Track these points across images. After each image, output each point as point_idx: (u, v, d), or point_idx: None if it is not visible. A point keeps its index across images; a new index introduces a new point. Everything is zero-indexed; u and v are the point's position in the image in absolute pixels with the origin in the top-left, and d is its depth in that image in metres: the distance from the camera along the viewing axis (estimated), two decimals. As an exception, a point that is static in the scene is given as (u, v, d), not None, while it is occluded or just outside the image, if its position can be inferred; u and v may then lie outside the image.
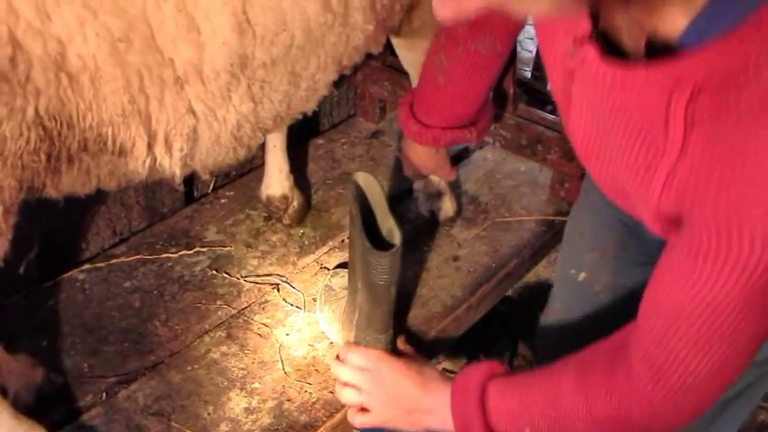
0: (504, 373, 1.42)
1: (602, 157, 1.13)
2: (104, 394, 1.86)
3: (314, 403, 1.87)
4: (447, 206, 2.32)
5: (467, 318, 2.17)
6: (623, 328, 1.25)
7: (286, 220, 2.33)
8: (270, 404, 1.86)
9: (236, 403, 1.86)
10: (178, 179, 1.40)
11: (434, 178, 2.27)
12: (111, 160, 1.30)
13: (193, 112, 1.31)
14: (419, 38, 1.93)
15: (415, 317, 2.08)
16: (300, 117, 1.67)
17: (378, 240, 1.62)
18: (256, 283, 2.18)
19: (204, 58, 1.26)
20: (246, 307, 2.11)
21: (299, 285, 2.18)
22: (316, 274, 2.22)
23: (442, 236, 2.35)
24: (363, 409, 1.66)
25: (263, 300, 2.13)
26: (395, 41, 2.07)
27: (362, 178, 1.64)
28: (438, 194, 2.30)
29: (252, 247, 2.30)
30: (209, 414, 1.83)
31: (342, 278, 1.98)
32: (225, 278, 2.19)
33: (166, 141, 1.31)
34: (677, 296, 1.01)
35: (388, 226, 1.63)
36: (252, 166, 2.57)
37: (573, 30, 1.03)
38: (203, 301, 2.12)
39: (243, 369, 1.94)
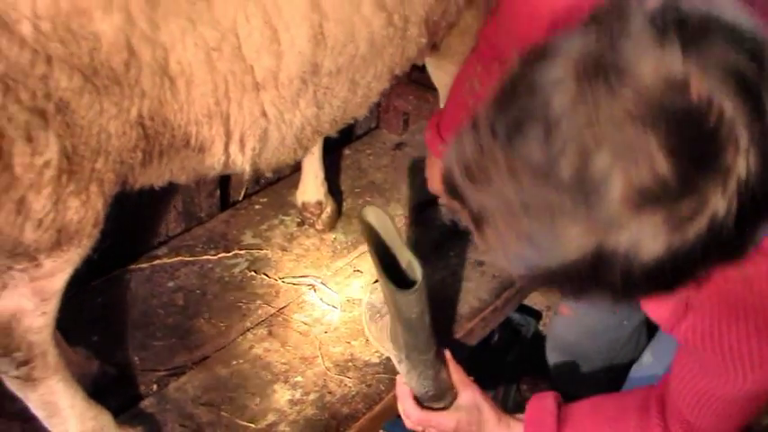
0: (562, 407, 1.54)
1: None
2: (156, 386, 1.96)
3: (354, 396, 1.97)
4: None
5: (493, 318, 2.29)
6: (654, 388, 1.45)
7: (319, 226, 2.44)
8: (312, 396, 1.97)
9: (281, 395, 1.96)
10: (247, 175, 1.51)
11: None
12: (190, 156, 1.41)
13: (266, 115, 1.43)
14: (449, 60, 2.06)
15: (445, 318, 2.19)
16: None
17: (399, 272, 1.64)
18: (293, 284, 2.29)
19: (281, 66, 1.38)
20: (285, 306, 2.22)
21: (334, 287, 2.29)
22: (349, 277, 2.33)
23: (466, 242, 2.46)
24: None
25: (300, 300, 2.24)
26: (428, 60, 2.20)
27: (372, 214, 1.66)
28: None
29: (287, 250, 2.41)
30: (256, 405, 1.94)
31: (381, 293, 2.01)
32: (263, 279, 2.30)
33: (241, 141, 1.43)
34: (697, 385, 1.29)
35: (407, 258, 1.64)
36: (281, 175, 2.68)
37: None
38: (244, 301, 2.23)
39: (285, 364, 2.05)
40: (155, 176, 1.44)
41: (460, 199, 0.91)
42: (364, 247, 2.43)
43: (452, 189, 0.92)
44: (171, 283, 2.26)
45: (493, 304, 2.27)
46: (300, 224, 2.50)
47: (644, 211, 0.78)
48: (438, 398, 1.70)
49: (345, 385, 1.99)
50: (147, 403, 1.91)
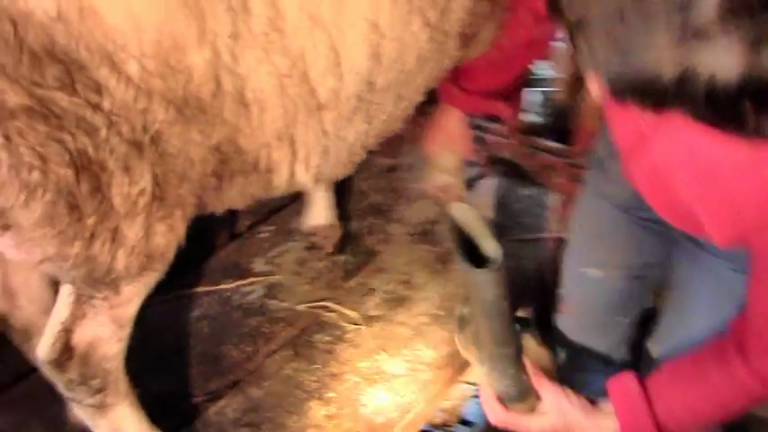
0: (645, 377, 1.56)
1: (669, 191, 1.33)
2: (195, 411, 2.01)
3: (386, 406, 2.07)
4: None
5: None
6: (725, 338, 1.46)
7: (328, 249, 2.54)
8: (346, 410, 2.05)
9: (317, 411, 2.04)
10: (310, 189, 1.61)
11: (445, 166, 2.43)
12: (258, 178, 1.51)
13: (326, 134, 1.54)
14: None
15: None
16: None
17: (482, 262, 1.61)
18: (311, 305, 2.37)
19: (342, 86, 1.49)
20: (306, 327, 2.30)
21: (351, 305, 2.38)
22: (364, 296, 2.43)
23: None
24: None
25: (320, 320, 2.33)
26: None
27: (457, 210, 1.61)
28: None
29: (300, 274, 2.50)
30: (294, 422, 2.01)
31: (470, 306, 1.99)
32: (281, 303, 2.38)
33: (306, 159, 1.53)
34: None
35: (492, 246, 1.59)
36: (283, 204, 2.77)
37: None
38: (266, 325, 2.30)
39: (316, 381, 2.13)
40: (224, 201, 1.52)
41: (560, 11, 0.99)
42: (372, 267, 2.54)
43: (553, 2, 1.01)
44: (196, 313, 2.32)
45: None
46: (309, 248, 2.59)
47: (735, 23, 0.83)
48: (521, 398, 1.68)
49: (377, 396, 2.08)
50: (189, 429, 1.96)
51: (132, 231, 1.32)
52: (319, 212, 2.50)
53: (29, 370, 1.91)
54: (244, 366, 2.17)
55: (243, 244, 2.62)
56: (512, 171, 2.87)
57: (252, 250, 2.59)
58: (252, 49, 1.32)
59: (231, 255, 2.56)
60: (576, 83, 2.98)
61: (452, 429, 2.65)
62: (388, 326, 2.31)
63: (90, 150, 1.21)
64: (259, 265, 2.53)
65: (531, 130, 2.89)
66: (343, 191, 2.86)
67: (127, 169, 1.26)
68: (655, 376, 1.55)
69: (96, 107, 1.18)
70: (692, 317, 1.85)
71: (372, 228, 2.72)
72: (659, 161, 1.31)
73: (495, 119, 2.64)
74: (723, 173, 1.20)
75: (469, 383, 2.55)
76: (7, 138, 1.14)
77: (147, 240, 1.35)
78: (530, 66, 2.03)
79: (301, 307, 2.37)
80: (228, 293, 2.41)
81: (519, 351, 1.67)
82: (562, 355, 2.48)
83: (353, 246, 2.64)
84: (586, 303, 2.26)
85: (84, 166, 1.22)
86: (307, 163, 1.53)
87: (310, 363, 2.18)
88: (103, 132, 1.20)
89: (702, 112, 0.95)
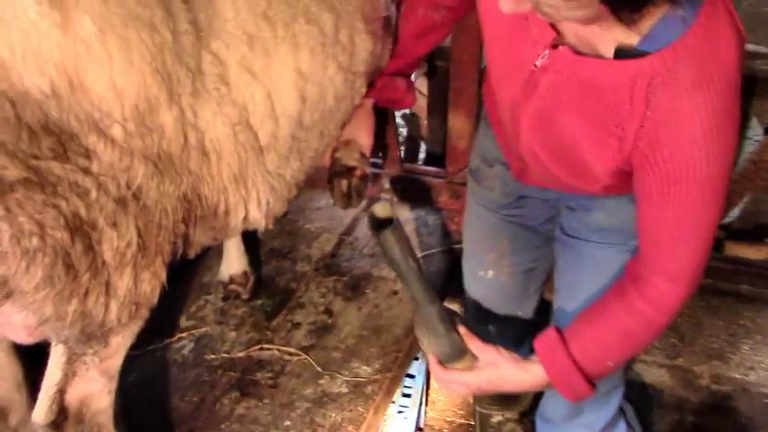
0: (563, 329, 1.74)
1: (558, 130, 1.61)
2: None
3: (341, 422, 2.24)
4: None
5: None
6: (631, 263, 1.67)
7: (245, 295, 2.68)
8: (306, 433, 2.20)
9: (279, 440, 2.18)
10: (263, 228, 1.76)
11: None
12: (217, 221, 1.65)
13: (269, 173, 1.71)
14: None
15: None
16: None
17: None
18: (245, 349, 2.50)
19: (278, 128, 1.68)
20: (246, 368, 2.43)
21: (281, 342, 2.53)
22: (290, 331, 2.58)
23: (383, 278, 2.81)
24: None
25: (256, 359, 2.46)
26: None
27: (379, 209, 1.75)
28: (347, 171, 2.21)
29: (223, 323, 2.62)
30: (259, 455, 2.13)
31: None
32: (214, 351, 2.49)
33: (257, 198, 1.69)
34: (668, 219, 1.52)
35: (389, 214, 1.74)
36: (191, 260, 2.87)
37: (539, 42, 1.54)
38: (206, 375, 2.41)
39: (269, 414, 2.26)
40: (193, 245, 1.66)
41: None
42: (290, 305, 2.71)
43: None
44: (131, 377, 2.37)
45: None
46: (226, 298, 2.72)
47: None
48: (457, 357, 1.80)
49: (330, 416, 2.25)
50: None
51: (123, 282, 1.43)
52: (233, 261, 2.63)
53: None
54: (195, 416, 2.26)
55: (162, 303, 2.69)
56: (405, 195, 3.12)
57: (172, 308, 2.68)
58: (208, 104, 1.49)
59: (154, 316, 2.62)
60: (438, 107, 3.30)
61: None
62: (322, 352, 2.47)
63: (82, 211, 1.33)
64: (183, 321, 2.62)
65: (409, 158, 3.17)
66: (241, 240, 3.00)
67: (115, 225, 1.38)
68: (570, 324, 1.74)
69: (86, 171, 1.31)
70: (580, 298, 2.06)
71: (279, 270, 2.89)
72: (547, 98, 1.58)
73: (379, 149, 2.88)
74: (606, 96, 1.48)
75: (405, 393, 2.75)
76: (8, 210, 1.24)
77: (136, 289, 1.46)
78: (427, 51, 2.12)
79: (235, 353, 2.49)
80: (159, 353, 2.49)
81: (444, 312, 1.79)
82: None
83: (267, 289, 2.79)
84: (487, 301, 2.53)
85: (77, 226, 1.33)
86: (258, 201, 1.70)
87: (259, 399, 2.31)
88: (94, 193, 1.33)
89: None
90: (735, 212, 2.94)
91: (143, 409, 2.25)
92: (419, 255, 2.94)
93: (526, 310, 2.48)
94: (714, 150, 1.44)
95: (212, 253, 2.74)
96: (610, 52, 1.46)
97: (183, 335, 2.56)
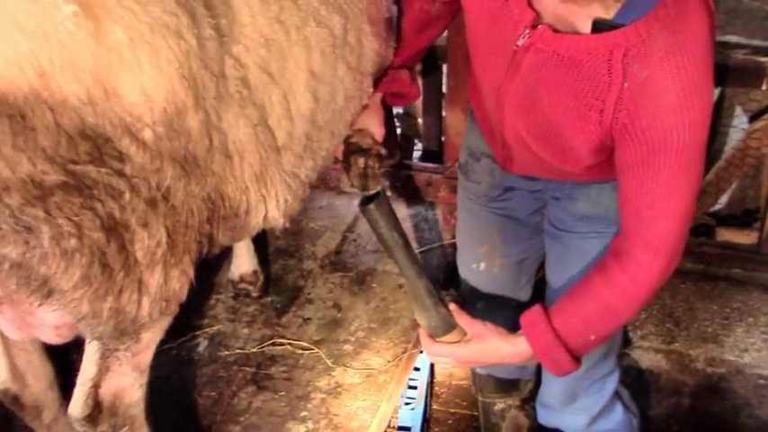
0: (549, 307, 1.79)
1: (540, 109, 1.67)
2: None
3: (356, 411, 2.31)
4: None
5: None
6: (615, 240, 1.73)
7: (255, 293, 2.74)
8: (322, 423, 2.27)
9: (297, 431, 2.25)
10: (281, 227, 1.83)
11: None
12: (238, 221, 1.72)
13: (285, 172, 1.78)
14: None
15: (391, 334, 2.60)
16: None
17: None
18: (259, 344, 2.57)
19: (294, 128, 1.75)
20: (260, 363, 2.50)
21: (292, 337, 2.60)
22: (301, 326, 2.65)
23: (388, 272, 2.89)
24: None
25: (270, 354, 2.53)
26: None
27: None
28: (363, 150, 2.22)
29: (236, 321, 2.69)
30: (279, 444, 2.21)
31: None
32: (228, 348, 2.56)
33: (275, 197, 1.76)
34: (648, 189, 1.54)
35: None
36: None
37: (520, 23, 1.61)
38: (222, 371, 2.48)
39: (286, 406, 2.33)
40: (215, 244, 1.72)
41: None
42: (299, 302, 2.78)
43: None
44: (150, 376, 2.43)
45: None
46: (236, 297, 2.79)
47: None
48: (445, 330, 1.85)
49: (344, 406, 2.32)
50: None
51: (154, 279, 1.50)
52: (244, 260, 2.70)
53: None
54: (213, 410, 2.33)
55: (173, 306, 2.76)
56: (404, 191, 3.20)
57: (184, 308, 2.73)
58: (231, 107, 1.56)
59: (166, 317, 2.69)
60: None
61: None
62: (334, 345, 2.55)
63: (117, 213, 1.40)
64: (195, 320, 2.69)
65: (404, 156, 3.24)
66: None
67: (145, 225, 1.45)
68: (556, 301, 1.80)
69: (120, 173, 1.37)
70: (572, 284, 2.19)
71: (286, 268, 2.96)
72: (530, 78, 1.66)
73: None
74: (585, 70, 1.56)
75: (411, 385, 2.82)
76: (48, 212, 1.31)
77: (166, 286, 1.53)
78: (428, 43, 2.18)
79: (249, 348, 2.56)
80: (175, 351, 2.55)
81: (431, 287, 1.88)
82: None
83: (275, 287, 2.87)
84: (481, 293, 2.59)
85: (112, 227, 1.40)
86: (277, 200, 1.77)
87: (275, 392, 2.38)
88: (127, 195, 1.39)
89: None
90: (723, 199, 3.03)
91: (163, 406, 2.31)
92: (419, 250, 3.02)
93: (521, 302, 2.55)
94: (690, 117, 1.50)
95: (220, 253, 2.80)
96: (587, 28, 1.54)
97: (197, 333, 2.63)
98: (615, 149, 1.62)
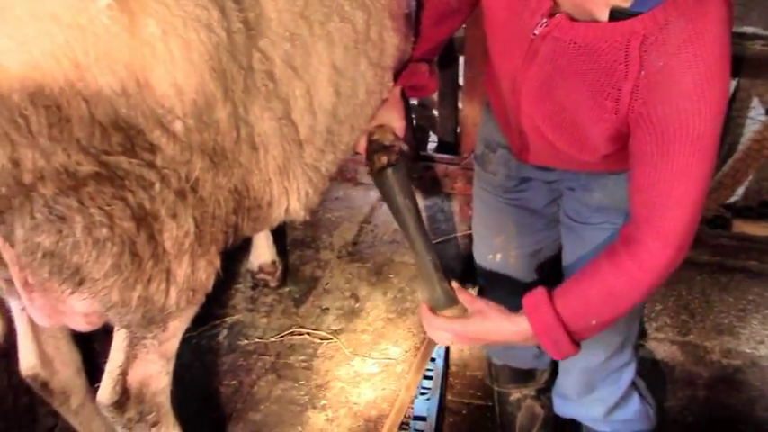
0: (553, 289, 1.81)
1: (556, 97, 1.69)
2: (205, 444, 2.19)
3: (374, 400, 2.33)
4: None
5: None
6: (625, 227, 1.73)
7: (273, 283, 2.77)
8: (342, 411, 2.30)
9: (317, 419, 2.28)
10: (301, 219, 1.85)
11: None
12: (263, 212, 1.74)
13: (307, 165, 1.80)
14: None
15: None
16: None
17: None
18: (278, 334, 2.60)
19: (316, 122, 1.77)
20: (280, 353, 2.53)
21: (310, 326, 2.63)
22: (319, 316, 2.68)
23: (405, 263, 2.91)
24: None
25: (289, 344, 2.56)
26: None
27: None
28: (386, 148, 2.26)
29: (255, 310, 2.72)
30: (300, 431, 2.23)
31: None
32: (247, 337, 2.59)
33: (297, 190, 1.78)
34: (658, 178, 1.55)
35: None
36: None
37: (537, 11, 1.63)
38: (242, 360, 2.51)
39: (306, 394, 2.36)
40: (239, 235, 1.75)
41: None
42: (316, 292, 2.80)
43: None
44: (170, 364, 2.47)
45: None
46: (254, 287, 2.82)
47: None
48: (447, 305, 1.90)
49: (364, 395, 2.35)
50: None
51: (182, 269, 1.53)
52: (262, 250, 2.73)
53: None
54: (234, 398, 2.36)
55: (192, 296, 2.79)
56: (422, 182, 3.22)
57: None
58: (257, 100, 1.58)
59: (186, 307, 2.72)
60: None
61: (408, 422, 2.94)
62: (352, 335, 2.58)
63: (147, 203, 1.42)
64: (215, 309, 2.72)
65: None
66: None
67: (174, 215, 1.47)
68: (561, 284, 1.80)
69: (151, 165, 1.40)
70: None
71: (304, 258, 2.99)
72: (546, 66, 1.67)
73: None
74: (602, 59, 1.57)
75: (427, 376, 2.85)
76: (81, 202, 1.33)
77: (193, 275, 1.56)
78: (447, 35, 2.21)
79: (268, 338, 2.59)
80: (195, 340, 2.58)
81: (438, 261, 1.94)
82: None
83: (293, 277, 2.89)
84: (497, 284, 2.62)
85: (142, 217, 1.42)
86: (298, 193, 1.79)
87: (295, 381, 2.41)
88: (157, 186, 1.42)
89: None
90: (740, 191, 3.04)
91: (185, 395, 2.33)
92: (435, 241, 3.04)
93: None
94: (704, 107, 1.51)
95: (238, 245, 2.83)
96: (605, 16, 1.56)
97: (217, 322, 2.65)
98: (630, 137, 1.64)
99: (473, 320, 1.85)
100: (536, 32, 1.67)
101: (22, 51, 1.15)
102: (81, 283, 1.42)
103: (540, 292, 1.78)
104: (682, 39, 1.49)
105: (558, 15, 1.63)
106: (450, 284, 1.91)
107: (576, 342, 1.75)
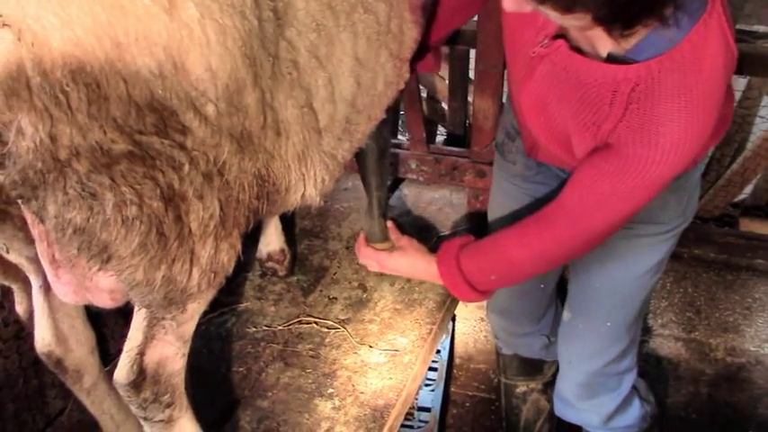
0: (470, 242, 2.00)
1: (549, 113, 1.76)
2: (211, 429, 2.20)
3: (381, 389, 2.36)
4: None
5: (453, 306, 2.77)
6: (547, 207, 1.85)
7: (282, 272, 2.79)
8: (349, 400, 2.32)
9: (324, 407, 2.30)
10: (317, 203, 1.87)
11: None
12: (281, 197, 1.76)
13: (325, 153, 1.82)
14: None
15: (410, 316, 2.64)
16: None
17: None
18: (285, 322, 2.62)
19: (336, 111, 1.79)
20: (287, 341, 2.55)
21: (318, 315, 2.65)
22: (327, 305, 2.70)
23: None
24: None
25: (296, 332, 2.58)
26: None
27: None
28: None
29: (263, 299, 2.73)
30: (307, 419, 2.26)
31: None
32: (255, 325, 2.60)
33: (314, 177, 1.80)
34: (601, 189, 1.65)
35: None
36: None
37: (542, 30, 1.68)
38: (250, 347, 2.52)
39: (313, 382, 2.38)
40: (256, 218, 1.77)
41: None
42: (324, 281, 2.82)
43: None
44: (179, 349, 2.48)
45: (449, 296, 2.73)
46: (263, 275, 2.83)
47: None
48: (380, 239, 2.25)
49: (370, 384, 2.37)
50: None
51: (205, 251, 1.55)
52: (272, 239, 2.74)
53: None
54: (242, 385, 2.38)
55: (200, 282, 2.81)
56: (431, 175, 3.24)
57: (212, 286, 2.78)
58: (282, 87, 1.60)
59: (194, 293, 2.74)
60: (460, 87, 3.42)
61: (413, 413, 2.96)
62: (360, 325, 2.60)
63: (176, 184, 1.44)
64: (223, 296, 2.73)
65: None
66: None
67: (201, 197, 1.49)
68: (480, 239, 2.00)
69: (182, 146, 1.42)
70: (589, 281, 2.25)
71: (312, 248, 3.00)
72: (542, 84, 1.74)
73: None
74: (589, 95, 1.62)
75: (432, 367, 2.88)
76: (113, 180, 1.35)
77: (216, 258, 1.58)
78: (461, 24, 2.33)
79: (275, 326, 2.61)
80: (203, 327, 2.60)
81: (384, 201, 2.27)
82: (497, 319, 2.81)
83: (301, 266, 2.91)
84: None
85: (170, 197, 1.44)
86: (315, 180, 1.81)
87: (302, 369, 2.43)
88: (186, 168, 1.44)
89: (602, 13, 1.38)
90: (748, 189, 3.07)
91: (193, 381, 2.34)
92: (443, 233, 3.07)
93: (549, 284, 2.61)
94: (676, 158, 1.56)
95: (246, 233, 2.85)
96: (605, 52, 1.59)
97: (225, 310, 2.67)
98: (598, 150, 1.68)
99: (396, 254, 2.16)
100: (534, 51, 1.71)
101: (66, 29, 1.17)
102: (108, 260, 1.44)
103: (456, 241, 2.01)
104: (671, 91, 1.52)
105: (558, 41, 1.66)
106: (385, 223, 2.25)
107: (480, 291, 1.96)
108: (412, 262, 2.12)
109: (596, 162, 1.68)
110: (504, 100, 2.45)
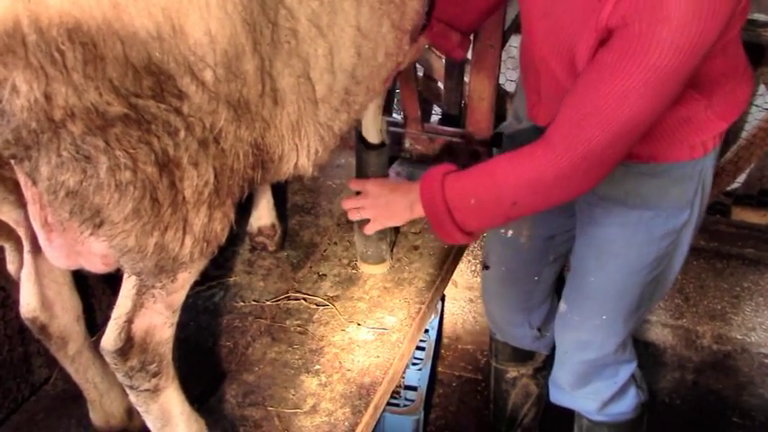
0: (458, 169, 1.95)
1: (555, 14, 1.74)
2: (197, 402, 2.18)
3: (368, 367, 2.35)
4: None
5: (442, 286, 2.76)
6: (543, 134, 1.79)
7: (271, 247, 2.77)
8: (335, 377, 2.31)
9: (310, 383, 2.29)
10: (309, 174, 1.85)
11: None
12: (274, 166, 1.74)
13: (321, 124, 1.80)
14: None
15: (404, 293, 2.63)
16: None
17: None
18: (274, 297, 2.60)
19: (334, 82, 1.77)
20: (275, 316, 2.53)
21: (307, 292, 2.63)
22: (316, 282, 2.68)
23: (404, 233, 2.92)
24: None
25: (285, 308, 2.56)
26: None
27: None
28: None
29: (251, 273, 2.72)
30: (292, 395, 2.25)
31: None
32: (243, 300, 2.59)
33: (307, 147, 1.78)
34: (599, 88, 1.56)
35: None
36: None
37: None
38: (237, 321, 2.51)
39: (300, 358, 2.37)
40: (250, 188, 1.75)
41: None
42: (314, 258, 2.80)
43: None
44: (166, 321, 2.46)
45: (440, 276, 2.72)
46: (252, 250, 2.81)
47: None
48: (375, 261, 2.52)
49: (357, 361, 2.36)
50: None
51: (198, 219, 1.53)
52: (263, 213, 2.72)
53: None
54: (228, 359, 2.37)
55: (189, 255, 2.78)
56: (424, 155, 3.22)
57: (200, 259, 2.76)
58: (280, 55, 1.58)
59: (183, 265, 2.71)
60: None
61: (399, 391, 2.96)
62: (348, 302, 2.58)
63: (171, 150, 1.41)
64: (211, 270, 2.71)
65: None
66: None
67: (196, 164, 1.47)
68: None
69: (178, 111, 1.39)
70: (584, 275, 2.26)
71: (303, 224, 2.98)
72: None
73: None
74: None
75: (419, 346, 2.87)
76: (107, 143, 1.32)
77: (209, 226, 1.56)
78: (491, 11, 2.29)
79: (263, 301, 2.59)
80: (191, 300, 2.57)
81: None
82: (490, 305, 2.83)
83: (291, 242, 2.89)
84: (505, 259, 2.65)
85: (165, 163, 1.42)
86: (308, 150, 1.79)
87: (290, 344, 2.42)
88: (182, 133, 1.41)
89: None
90: (741, 178, 3.08)
91: (180, 353, 2.32)
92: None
93: (545, 278, 2.60)
94: (681, 40, 1.48)
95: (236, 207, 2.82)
96: None
97: (213, 284, 2.65)
98: (598, 50, 1.63)
99: (381, 182, 2.21)
100: None
101: (63, -13, 1.14)
102: (100, 225, 1.42)
103: (440, 166, 1.95)
104: None
105: None
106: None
107: (457, 223, 1.86)
108: (394, 186, 2.11)
109: (594, 62, 1.62)
110: (516, 87, 2.43)
